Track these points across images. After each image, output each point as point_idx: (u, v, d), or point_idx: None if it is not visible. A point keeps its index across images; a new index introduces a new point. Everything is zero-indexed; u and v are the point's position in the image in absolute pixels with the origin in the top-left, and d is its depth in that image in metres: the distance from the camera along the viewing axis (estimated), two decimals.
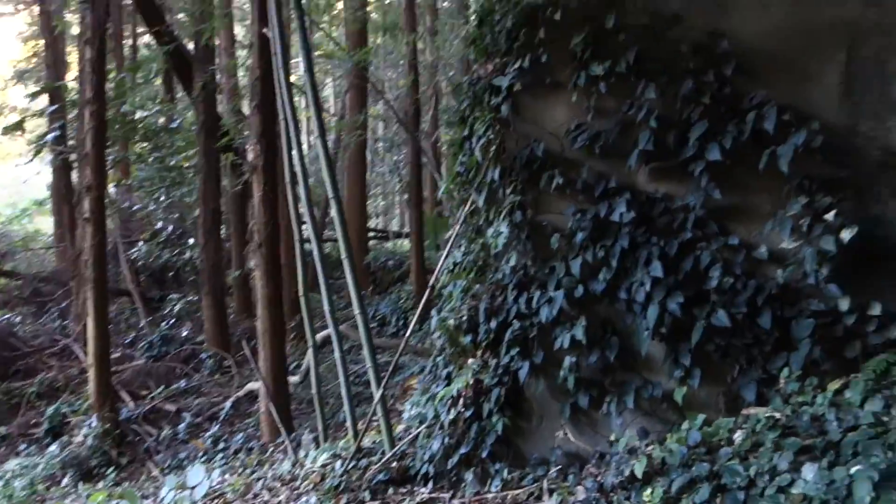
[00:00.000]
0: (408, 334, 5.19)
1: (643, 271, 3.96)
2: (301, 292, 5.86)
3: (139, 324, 13.75)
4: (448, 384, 4.87)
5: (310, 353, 5.88)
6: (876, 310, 3.40)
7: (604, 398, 4.20)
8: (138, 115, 13.75)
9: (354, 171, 14.87)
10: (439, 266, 4.90)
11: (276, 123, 7.61)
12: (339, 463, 5.19)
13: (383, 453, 5.15)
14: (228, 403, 9.44)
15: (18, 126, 11.91)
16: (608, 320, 4.21)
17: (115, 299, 16.53)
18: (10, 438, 8.90)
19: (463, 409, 4.51)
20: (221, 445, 8.27)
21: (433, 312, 5.08)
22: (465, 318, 4.62)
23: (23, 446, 8.75)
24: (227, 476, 7.33)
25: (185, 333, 13.00)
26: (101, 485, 7.78)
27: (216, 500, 5.79)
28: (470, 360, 4.59)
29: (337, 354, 5.41)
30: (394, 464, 4.97)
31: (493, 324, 4.45)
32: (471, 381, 4.49)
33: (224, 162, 10.45)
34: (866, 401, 3.11)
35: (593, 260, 4.10)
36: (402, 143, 23.14)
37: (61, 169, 14.46)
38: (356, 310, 5.09)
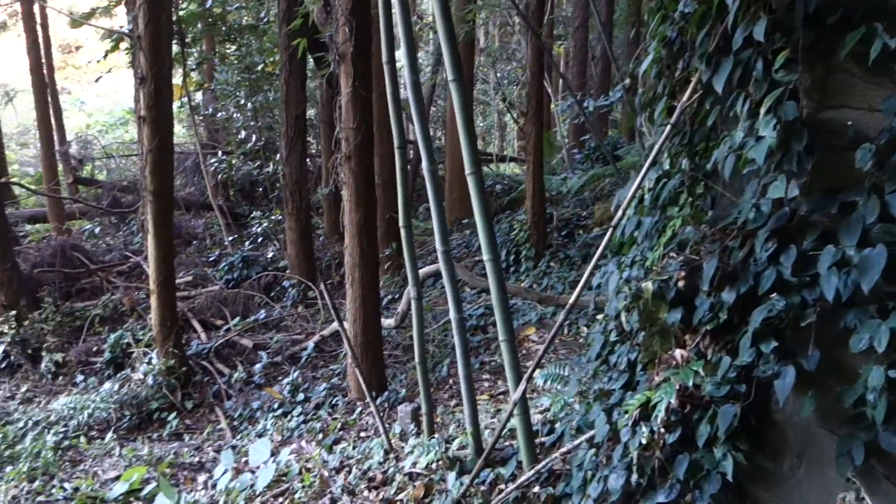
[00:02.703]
0: (578, 292, 3.38)
1: None
2: (402, 222, 4.16)
3: (225, 241, 12.54)
4: (629, 380, 3.11)
5: (412, 304, 4.22)
6: None
7: None
8: (220, 10, 12.13)
9: None
10: (630, 192, 3.04)
11: None
12: (452, 475, 3.57)
13: (519, 467, 3.50)
14: (311, 344, 8.01)
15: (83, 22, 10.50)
16: None
17: (204, 213, 15.52)
18: (69, 367, 7.77)
19: (663, 431, 2.75)
20: (300, 396, 6.86)
21: (610, 266, 3.29)
22: (671, 281, 2.81)
23: (80, 377, 7.60)
24: (303, 443, 5.91)
25: (270, 254, 11.69)
26: (156, 436, 6.54)
27: (280, 500, 4.32)
28: (677, 352, 2.79)
29: (455, 327, 3.71)
30: (535, 488, 3.31)
31: (728, 295, 2.62)
32: (679, 388, 2.71)
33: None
34: None
35: None
36: (509, 57, 20.92)
37: None
38: (486, 254, 3.36)
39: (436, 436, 4.26)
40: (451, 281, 3.71)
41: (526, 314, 8.55)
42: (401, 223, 4.16)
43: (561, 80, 19.80)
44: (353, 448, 5.63)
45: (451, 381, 7.23)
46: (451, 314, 3.73)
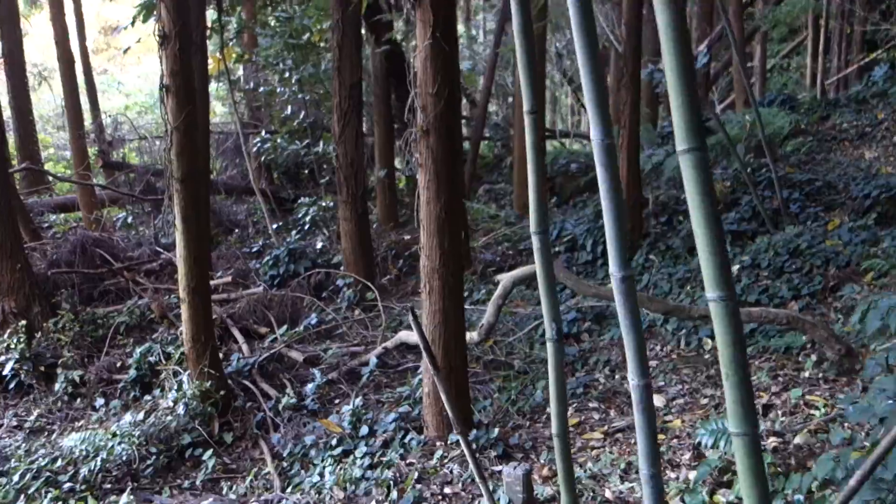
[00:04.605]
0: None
1: None
2: (535, 227, 2.73)
3: (269, 229, 11.29)
4: None
5: (548, 348, 2.80)
6: None
7: None
8: None
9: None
10: None
11: None
12: None
13: None
14: (373, 358, 6.66)
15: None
16: None
17: (246, 198, 14.32)
18: (88, 386, 6.55)
19: None
20: (364, 429, 5.50)
21: None
22: None
23: (100, 401, 6.38)
24: None
25: (319, 245, 10.37)
26: (187, 483, 5.26)
27: None
28: None
29: (638, 398, 2.29)
30: None
31: None
32: None
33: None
34: None
35: None
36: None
37: None
38: (713, 293, 1.95)
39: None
40: (632, 327, 2.27)
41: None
42: (533, 228, 2.73)
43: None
44: None
45: (548, 407, 5.82)
46: (633, 379, 2.30)
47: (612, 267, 2.28)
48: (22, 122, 15.47)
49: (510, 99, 21.18)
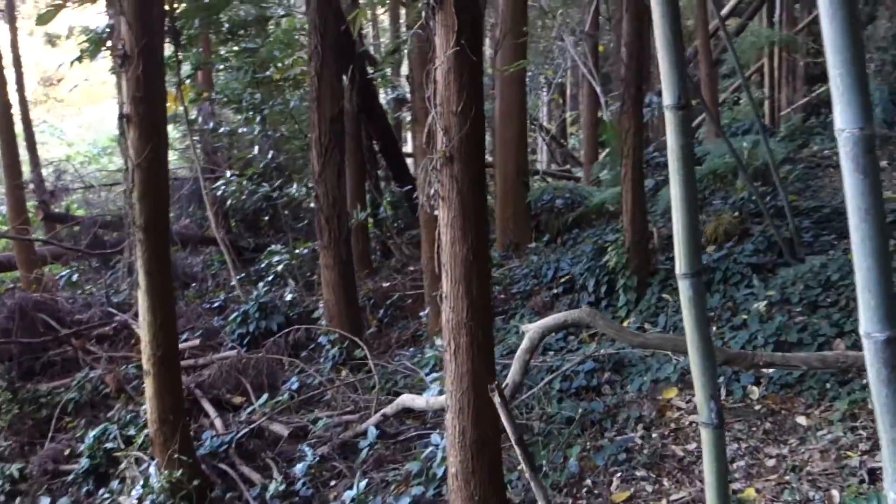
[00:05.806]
0: None
1: None
2: (683, 267, 1.93)
3: (231, 282, 10.28)
4: None
5: (706, 448, 1.98)
6: None
7: None
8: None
9: (512, 85, 10.70)
10: None
11: None
12: None
13: None
14: (372, 429, 5.72)
15: (53, 15, 8.25)
16: None
17: (201, 249, 13.29)
18: (31, 482, 5.46)
19: None
20: None
21: None
22: None
23: (45, 501, 5.29)
24: None
25: (288, 297, 9.37)
26: None
27: None
28: None
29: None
30: None
31: None
32: None
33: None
34: None
35: None
36: (543, 55, 18.54)
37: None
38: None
39: None
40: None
41: (652, 368, 6.31)
42: (680, 269, 1.93)
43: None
44: None
45: (587, 478, 4.96)
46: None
47: (868, 324, 1.48)
48: None
49: None
